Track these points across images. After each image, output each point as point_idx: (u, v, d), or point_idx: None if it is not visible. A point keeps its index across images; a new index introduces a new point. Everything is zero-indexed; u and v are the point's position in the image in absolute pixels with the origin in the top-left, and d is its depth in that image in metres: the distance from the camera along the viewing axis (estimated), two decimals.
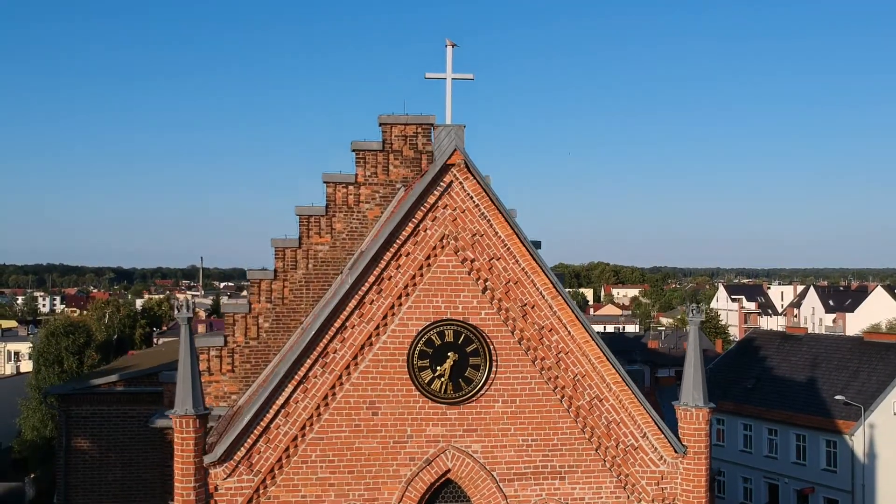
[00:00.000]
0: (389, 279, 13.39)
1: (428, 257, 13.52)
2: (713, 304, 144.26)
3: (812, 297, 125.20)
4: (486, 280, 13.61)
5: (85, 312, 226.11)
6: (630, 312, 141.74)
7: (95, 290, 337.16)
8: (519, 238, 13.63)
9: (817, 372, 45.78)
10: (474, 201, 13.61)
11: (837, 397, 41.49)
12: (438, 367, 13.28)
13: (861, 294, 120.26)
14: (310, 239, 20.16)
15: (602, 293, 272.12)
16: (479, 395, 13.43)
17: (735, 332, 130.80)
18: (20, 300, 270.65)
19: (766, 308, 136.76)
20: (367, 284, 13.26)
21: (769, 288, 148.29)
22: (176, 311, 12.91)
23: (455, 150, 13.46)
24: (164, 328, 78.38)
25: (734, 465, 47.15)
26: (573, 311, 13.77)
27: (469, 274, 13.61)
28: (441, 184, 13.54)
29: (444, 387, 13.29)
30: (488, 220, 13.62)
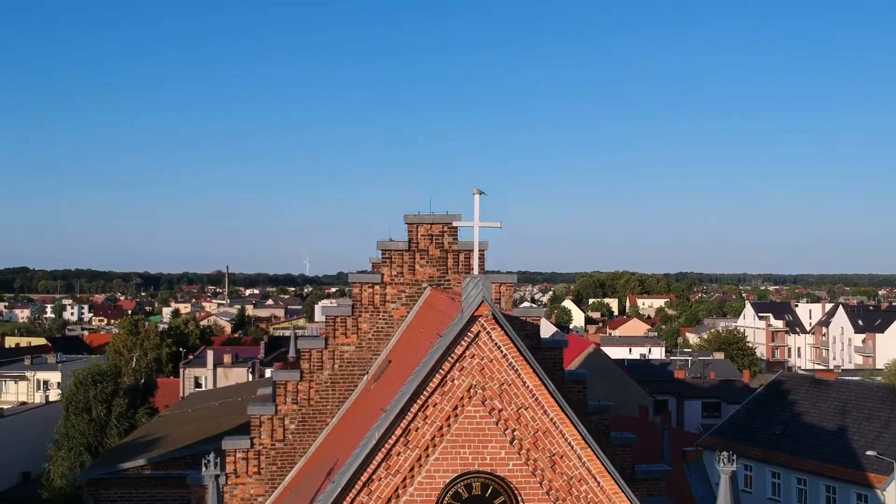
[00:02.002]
0: (416, 430, 13.29)
1: (455, 408, 13.39)
2: (740, 322, 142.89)
3: (841, 317, 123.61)
4: (514, 430, 13.47)
5: (113, 323, 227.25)
6: (655, 333, 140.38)
7: (123, 298, 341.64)
8: (547, 388, 13.48)
9: (847, 420, 45.14)
10: (502, 351, 13.48)
11: (869, 453, 40.85)
12: None
13: (891, 315, 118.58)
14: (336, 339, 20.15)
15: (627, 304, 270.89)
16: None
17: (762, 351, 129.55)
18: (49, 309, 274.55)
19: (794, 326, 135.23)
20: (393, 437, 13.17)
21: (797, 306, 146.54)
22: (203, 469, 12.89)
23: (483, 301, 13.35)
24: (190, 357, 78.92)
25: None
26: (602, 463, 13.58)
27: (497, 424, 13.47)
28: (469, 334, 13.42)
29: None
30: (516, 370, 13.48)
